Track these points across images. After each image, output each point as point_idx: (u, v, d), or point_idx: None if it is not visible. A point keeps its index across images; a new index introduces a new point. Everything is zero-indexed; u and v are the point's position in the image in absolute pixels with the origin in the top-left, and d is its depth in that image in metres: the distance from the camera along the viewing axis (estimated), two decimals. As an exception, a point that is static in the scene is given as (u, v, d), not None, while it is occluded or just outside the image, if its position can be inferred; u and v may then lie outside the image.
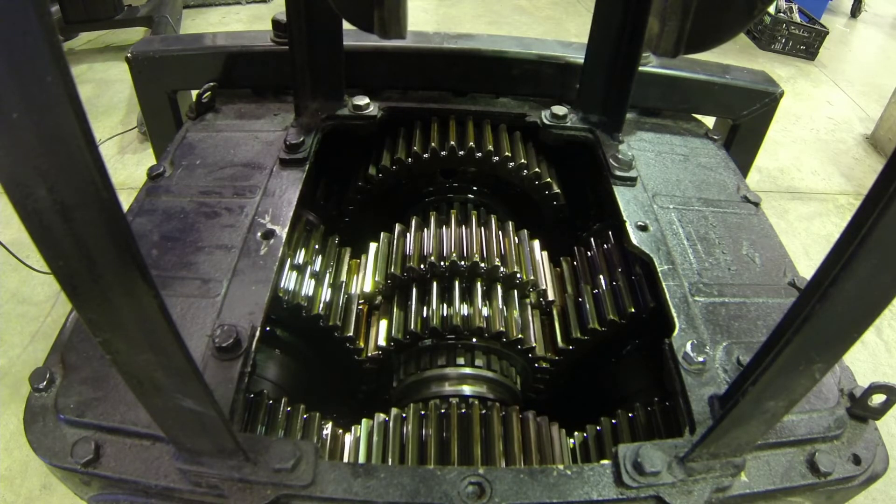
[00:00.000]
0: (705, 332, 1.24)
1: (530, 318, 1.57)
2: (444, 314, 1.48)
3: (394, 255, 1.60)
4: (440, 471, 1.01)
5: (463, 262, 1.52)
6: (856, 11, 7.07)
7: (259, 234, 1.35)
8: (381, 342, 1.51)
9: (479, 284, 1.54)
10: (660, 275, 1.34)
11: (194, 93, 1.77)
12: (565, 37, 5.57)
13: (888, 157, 0.67)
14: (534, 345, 1.51)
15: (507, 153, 1.68)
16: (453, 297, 1.50)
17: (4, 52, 0.45)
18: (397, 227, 1.67)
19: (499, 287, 1.56)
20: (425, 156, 1.68)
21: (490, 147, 1.68)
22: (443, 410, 1.33)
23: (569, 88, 1.82)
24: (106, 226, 0.58)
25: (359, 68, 1.76)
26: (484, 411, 1.33)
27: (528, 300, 1.60)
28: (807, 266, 3.03)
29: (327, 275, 1.55)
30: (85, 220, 0.57)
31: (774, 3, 5.89)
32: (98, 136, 3.89)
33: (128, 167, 3.80)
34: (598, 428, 1.35)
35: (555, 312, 1.62)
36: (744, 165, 1.99)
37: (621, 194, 1.54)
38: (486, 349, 1.50)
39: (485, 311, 1.49)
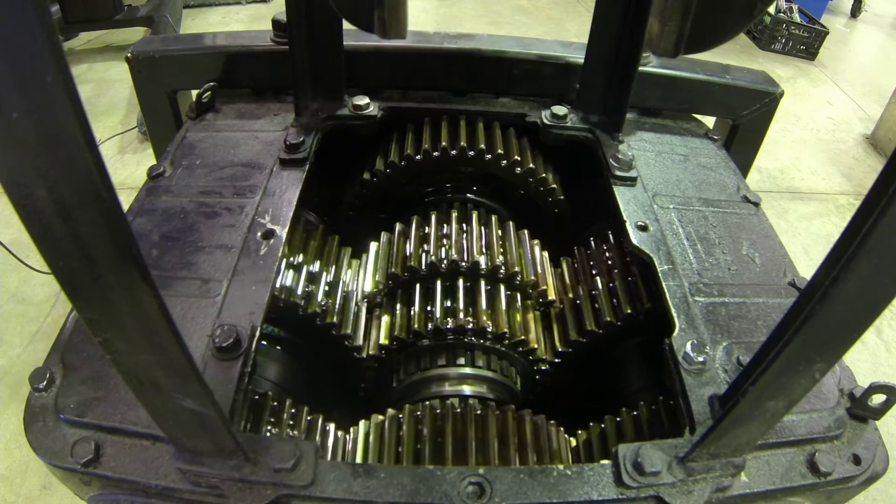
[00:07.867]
0: (705, 332, 1.24)
1: (531, 318, 1.57)
2: (445, 314, 1.48)
3: (395, 255, 1.60)
4: (440, 471, 1.01)
5: (464, 263, 1.52)
6: (856, 11, 7.06)
7: (259, 234, 1.35)
8: (382, 342, 1.51)
9: (480, 284, 1.54)
10: (660, 275, 1.34)
11: (194, 93, 1.77)
12: (565, 37, 5.57)
13: (888, 157, 0.67)
14: (534, 345, 1.51)
15: (505, 152, 1.68)
16: (455, 297, 1.50)
17: (4, 52, 0.45)
18: (398, 227, 1.67)
19: (500, 287, 1.56)
20: (418, 157, 1.68)
21: (483, 145, 1.67)
22: (438, 411, 1.33)
23: (569, 88, 1.82)
24: (106, 226, 0.58)
25: (359, 68, 1.76)
26: (479, 411, 1.33)
27: (528, 301, 1.60)
28: (807, 266, 3.03)
29: (327, 274, 1.55)
30: (85, 220, 0.57)
31: (774, 3, 5.88)
32: (98, 136, 3.89)
33: (128, 167, 3.80)
34: (601, 426, 1.35)
35: (554, 313, 1.62)
36: (744, 165, 1.99)
37: (621, 194, 1.54)
38: (487, 349, 1.50)
39: (486, 312, 1.49)
